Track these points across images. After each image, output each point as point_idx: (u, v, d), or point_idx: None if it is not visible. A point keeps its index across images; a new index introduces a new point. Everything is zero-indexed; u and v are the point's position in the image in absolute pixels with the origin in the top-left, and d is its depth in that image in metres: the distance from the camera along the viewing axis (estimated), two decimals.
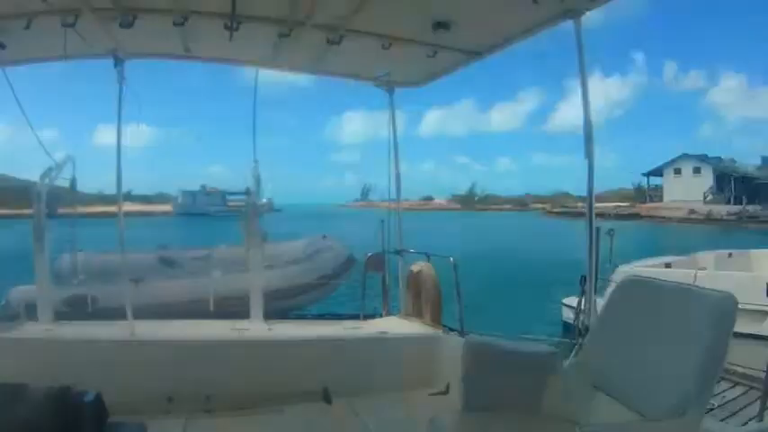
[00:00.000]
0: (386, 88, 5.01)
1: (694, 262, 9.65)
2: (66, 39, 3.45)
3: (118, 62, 4.11)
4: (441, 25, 3.47)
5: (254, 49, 4.08)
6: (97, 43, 3.81)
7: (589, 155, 3.13)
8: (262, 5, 3.37)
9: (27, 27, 3.35)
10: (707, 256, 9.97)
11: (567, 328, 8.93)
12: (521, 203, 71.01)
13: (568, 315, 9.51)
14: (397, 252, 5.27)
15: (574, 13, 3.09)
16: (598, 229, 3.24)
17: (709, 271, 8.59)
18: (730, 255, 9.98)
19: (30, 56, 4.11)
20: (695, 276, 6.92)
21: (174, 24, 3.42)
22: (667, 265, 9.04)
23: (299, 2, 3.22)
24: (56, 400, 1.88)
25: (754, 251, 10.16)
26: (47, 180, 5.20)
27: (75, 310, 6.10)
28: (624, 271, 8.41)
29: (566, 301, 9.82)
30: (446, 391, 3.63)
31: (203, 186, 61.98)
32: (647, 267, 8.47)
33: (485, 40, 3.83)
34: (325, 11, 3.34)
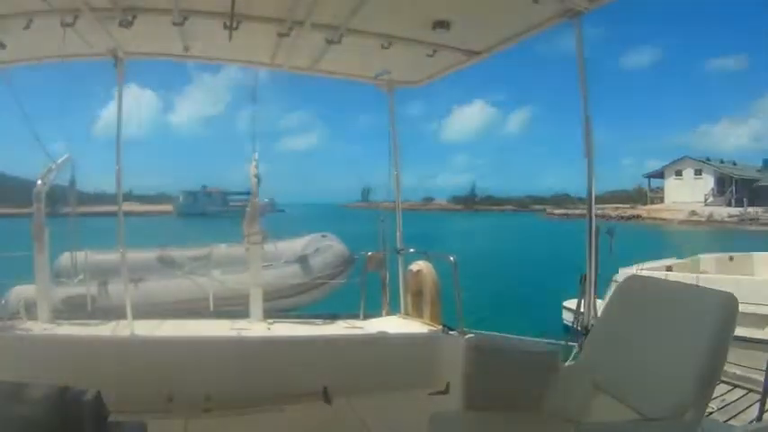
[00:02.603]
0: (386, 88, 5.01)
1: (696, 265, 9.59)
2: (66, 38, 3.45)
3: (117, 62, 4.11)
4: (440, 25, 3.46)
5: (254, 48, 4.08)
6: (97, 43, 3.81)
7: (588, 154, 3.13)
8: (261, 5, 3.37)
9: (27, 27, 3.34)
10: (708, 259, 9.89)
11: (568, 331, 8.89)
12: (521, 205, 71.08)
13: (568, 318, 9.51)
14: (397, 251, 5.27)
15: (574, 14, 3.08)
16: (598, 229, 3.24)
17: (710, 275, 8.55)
18: (731, 258, 9.89)
19: (29, 55, 4.11)
20: (697, 280, 6.90)
21: (174, 24, 3.41)
22: (668, 268, 8.97)
23: (299, 2, 3.21)
24: (56, 400, 1.87)
25: (756, 254, 10.02)
26: (46, 180, 5.21)
27: (75, 309, 6.09)
28: (626, 273, 8.38)
29: (566, 303, 9.80)
30: (446, 391, 3.63)
31: (204, 187, 62.33)
32: (649, 270, 8.42)
33: (485, 40, 3.83)
34: (325, 11, 3.33)
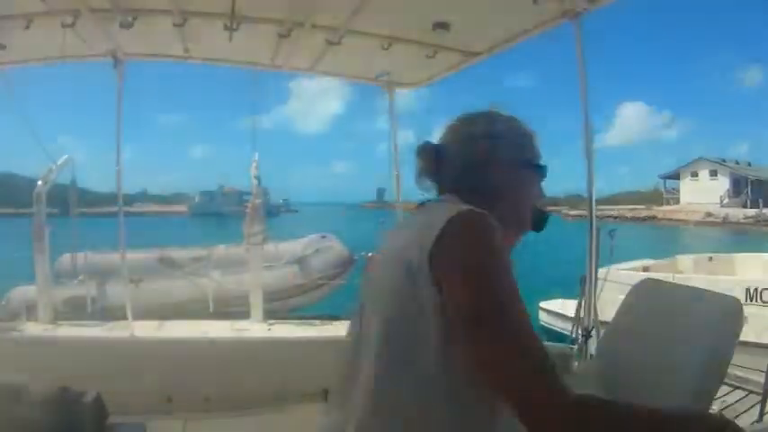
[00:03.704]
0: (386, 89, 5.01)
1: (673, 265, 9.57)
2: (66, 40, 3.45)
3: (117, 63, 4.12)
4: (440, 25, 3.46)
5: (254, 49, 4.08)
6: (96, 44, 3.81)
7: (588, 154, 3.13)
8: (261, 6, 3.37)
9: (27, 28, 3.34)
10: (686, 260, 9.89)
11: (547, 333, 8.89)
12: None
13: (546, 319, 9.49)
14: None
15: (574, 14, 3.08)
16: (599, 229, 3.24)
17: (686, 275, 8.53)
18: (711, 258, 9.88)
19: (29, 57, 4.11)
20: (672, 279, 6.86)
21: (174, 25, 3.41)
22: (645, 269, 8.94)
23: (299, 3, 3.21)
24: (56, 400, 1.88)
25: (738, 254, 10.02)
26: (47, 180, 5.22)
27: (76, 310, 6.10)
28: (602, 273, 8.30)
29: (543, 305, 9.76)
30: None
31: (221, 186, 62.24)
32: (625, 270, 8.36)
33: (485, 41, 3.83)
34: (325, 12, 3.33)
